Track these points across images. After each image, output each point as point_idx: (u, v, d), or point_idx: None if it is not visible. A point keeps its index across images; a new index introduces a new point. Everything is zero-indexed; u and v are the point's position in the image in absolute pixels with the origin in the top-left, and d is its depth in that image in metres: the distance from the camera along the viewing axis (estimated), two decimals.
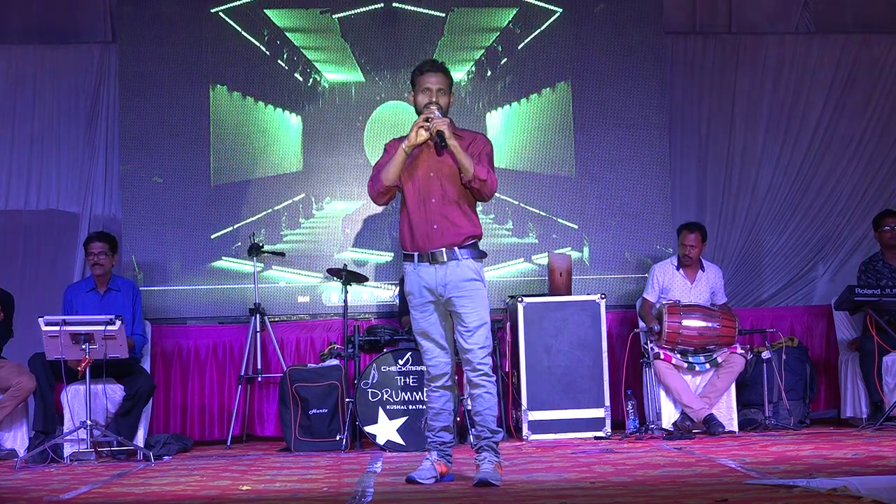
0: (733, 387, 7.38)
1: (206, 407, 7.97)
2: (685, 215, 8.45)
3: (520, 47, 8.48)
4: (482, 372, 5.02)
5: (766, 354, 7.39)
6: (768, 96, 8.82)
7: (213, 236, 8.21)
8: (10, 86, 8.36)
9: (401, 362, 7.07)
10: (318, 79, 8.37)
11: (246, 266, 8.11)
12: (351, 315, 7.81)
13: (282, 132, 8.35)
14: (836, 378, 8.05)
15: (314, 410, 7.15)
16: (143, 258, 8.11)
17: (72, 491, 5.09)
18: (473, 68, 8.44)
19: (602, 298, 7.44)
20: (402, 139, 5.14)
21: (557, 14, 8.49)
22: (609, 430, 7.30)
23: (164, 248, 8.15)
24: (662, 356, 7.28)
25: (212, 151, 8.26)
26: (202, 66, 8.28)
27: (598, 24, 8.51)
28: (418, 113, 5.11)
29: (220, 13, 8.31)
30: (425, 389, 5.26)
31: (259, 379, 7.80)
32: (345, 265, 7.61)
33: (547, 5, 8.49)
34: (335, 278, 7.64)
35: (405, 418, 7.00)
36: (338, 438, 7.08)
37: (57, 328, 6.49)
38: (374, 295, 8.24)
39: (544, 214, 8.42)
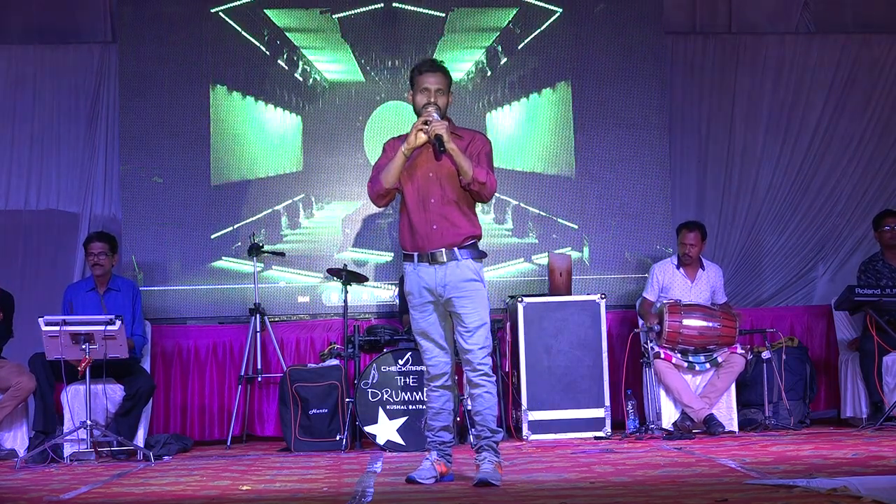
0: (733, 387, 7.38)
1: (206, 407, 7.97)
2: (685, 215, 8.45)
3: (520, 47, 8.48)
4: (482, 372, 5.02)
5: (766, 354, 7.39)
6: (768, 96, 8.82)
7: (213, 236, 8.21)
8: (10, 86, 8.36)
9: (401, 362, 7.07)
10: (318, 79, 8.37)
11: (246, 266, 8.11)
12: (351, 315, 7.81)
13: (282, 132, 8.35)
14: (836, 378, 8.05)
15: (314, 410, 7.15)
16: (143, 258, 8.11)
17: (72, 491, 5.09)
18: (473, 68, 8.44)
19: (602, 298, 7.44)
20: (400, 138, 5.14)
21: (557, 14, 8.49)
22: (609, 430, 7.30)
23: (164, 248, 8.15)
24: (662, 356, 7.28)
25: (212, 151, 8.26)
26: (202, 66, 8.28)
27: (598, 24, 8.51)
28: (417, 113, 5.10)
29: (220, 13, 8.31)
30: (425, 389, 5.26)
31: (259, 379, 7.80)
32: (345, 265, 7.61)
33: (547, 5, 8.49)
34: (335, 278, 7.64)
35: (405, 418, 7.00)
36: (338, 438, 7.08)
37: (57, 328, 6.49)
38: (374, 295, 8.24)
39: (544, 214, 8.42)
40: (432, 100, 5.06)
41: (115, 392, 6.91)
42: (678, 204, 8.67)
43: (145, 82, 8.22)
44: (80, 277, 7.99)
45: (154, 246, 8.14)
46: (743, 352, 7.33)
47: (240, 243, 8.13)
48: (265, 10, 8.34)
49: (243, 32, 8.32)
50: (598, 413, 7.33)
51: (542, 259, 8.25)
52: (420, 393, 6.91)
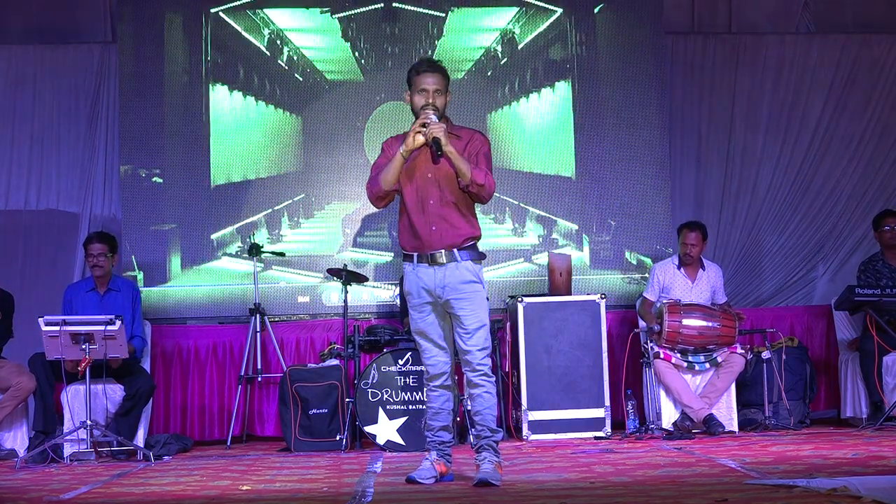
0: (733, 387, 7.38)
1: (206, 407, 7.97)
2: (685, 215, 8.45)
3: (520, 47, 8.48)
4: (481, 372, 5.02)
5: (766, 354, 7.40)
6: (768, 96, 8.82)
7: (213, 236, 8.21)
8: (10, 86, 8.37)
9: (401, 362, 7.07)
10: (318, 79, 8.37)
11: (246, 266, 8.11)
12: (351, 315, 7.81)
13: (282, 132, 8.35)
14: (836, 378, 8.05)
15: (314, 410, 7.15)
16: (143, 258, 8.11)
17: (72, 491, 5.09)
18: (473, 68, 8.44)
19: (602, 298, 7.44)
20: (399, 138, 5.14)
21: (557, 14, 8.49)
22: (609, 430, 7.30)
23: (164, 248, 8.15)
24: (662, 356, 7.28)
25: (212, 151, 8.26)
26: (202, 66, 8.28)
27: (598, 24, 8.51)
28: (415, 113, 5.09)
29: (220, 13, 8.31)
30: (425, 389, 5.27)
31: (259, 379, 7.80)
32: (345, 265, 7.61)
33: (547, 5, 8.49)
34: (335, 278, 7.64)
35: (405, 418, 7.00)
36: (338, 438, 7.08)
37: (57, 328, 6.49)
38: (374, 295, 8.24)
39: (544, 214, 8.42)
40: (430, 100, 5.04)
41: (115, 392, 6.91)
42: (678, 204, 8.67)
43: (145, 82, 8.22)
44: (80, 277, 7.99)
45: (154, 246, 8.14)
46: (743, 352, 7.33)
47: (240, 243, 8.14)
48: (265, 10, 8.34)
49: (243, 32, 8.32)
50: (598, 413, 7.33)
51: (542, 259, 8.25)
52: (420, 393, 6.91)
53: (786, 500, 4.04)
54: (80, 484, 5.40)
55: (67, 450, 6.71)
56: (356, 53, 8.39)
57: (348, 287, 7.50)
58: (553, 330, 7.37)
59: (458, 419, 6.86)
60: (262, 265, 8.07)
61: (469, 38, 8.47)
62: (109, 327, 6.51)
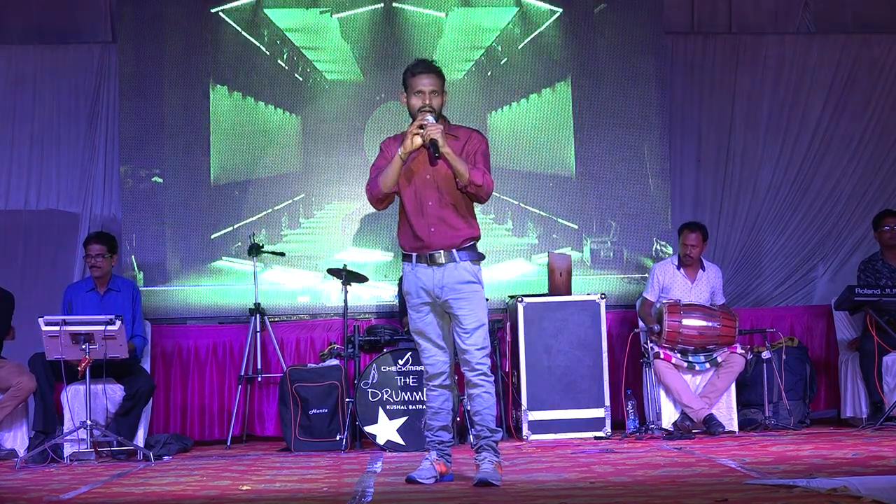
0: (733, 387, 7.38)
1: (206, 407, 7.97)
2: (685, 215, 8.45)
3: (520, 47, 8.48)
4: (480, 372, 5.02)
5: (766, 354, 7.40)
6: (768, 96, 8.82)
7: (213, 236, 8.21)
8: (10, 86, 8.37)
9: (401, 362, 7.07)
10: (318, 79, 8.37)
11: (246, 266, 8.10)
12: (351, 315, 7.81)
13: (282, 132, 8.35)
14: (836, 378, 8.05)
15: (314, 410, 7.15)
16: (143, 258, 8.11)
17: (72, 491, 5.09)
18: (473, 68, 8.44)
19: (602, 298, 7.44)
20: (397, 138, 5.14)
21: (557, 14, 8.49)
22: (609, 430, 7.30)
23: (164, 248, 8.15)
24: (662, 356, 7.28)
25: (212, 151, 8.26)
26: (202, 66, 8.28)
27: (598, 24, 8.51)
28: (411, 114, 5.09)
29: (220, 13, 8.31)
30: (424, 389, 5.27)
31: (259, 379, 7.80)
32: (345, 265, 7.61)
33: (547, 5, 8.49)
34: (335, 278, 7.63)
35: (405, 418, 7.00)
36: (338, 438, 7.08)
37: (57, 328, 6.49)
38: (374, 295, 8.23)
39: (544, 214, 8.42)
40: (427, 101, 5.04)
41: (115, 392, 6.91)
42: (678, 204, 8.67)
43: (145, 82, 8.22)
44: (80, 277, 7.99)
45: (154, 246, 8.14)
46: (743, 352, 7.33)
47: (240, 243, 8.14)
48: (265, 10, 8.34)
49: (243, 32, 8.32)
50: (598, 413, 7.33)
51: (542, 259, 8.25)
52: (420, 393, 6.91)
53: (786, 500, 4.04)
54: (80, 484, 5.40)
55: (67, 450, 6.71)
56: (356, 53, 8.39)
57: (348, 287, 7.50)
58: (553, 330, 7.37)
59: (458, 419, 6.86)
60: (262, 265, 8.07)
61: (469, 38, 8.46)
62: (109, 327, 6.51)
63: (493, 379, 5.08)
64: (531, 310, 7.38)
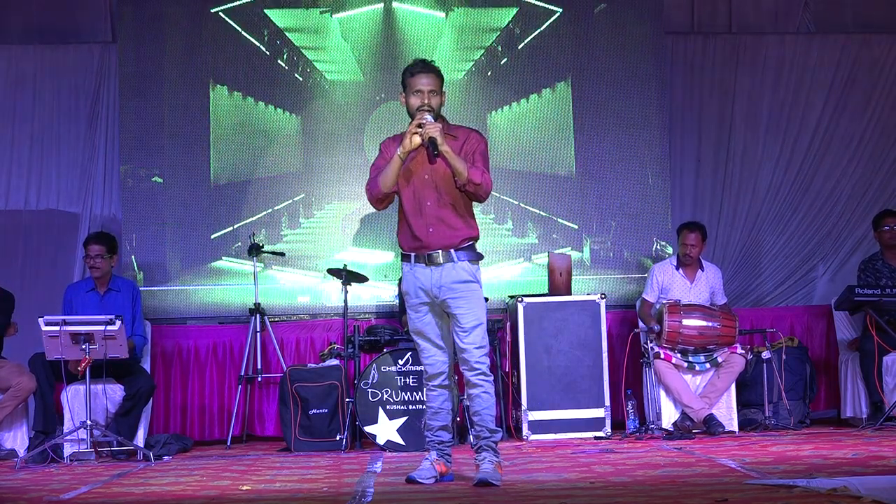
0: (733, 387, 7.38)
1: (206, 407, 7.97)
2: (685, 215, 8.46)
3: (520, 47, 8.47)
4: (479, 371, 5.03)
5: (766, 354, 7.40)
6: (768, 96, 8.82)
7: (213, 236, 8.21)
8: (10, 86, 8.37)
9: (400, 362, 7.07)
10: (318, 79, 8.37)
11: (246, 266, 8.10)
12: (351, 315, 7.81)
13: (282, 132, 8.35)
14: (836, 378, 8.05)
15: (314, 410, 7.15)
16: (143, 258, 8.11)
17: (72, 491, 5.09)
18: (473, 68, 8.44)
19: (602, 298, 7.44)
20: (396, 139, 5.16)
21: (557, 14, 8.49)
22: (609, 430, 7.30)
23: (164, 248, 8.15)
24: (662, 356, 7.28)
25: (212, 151, 8.26)
26: (202, 66, 8.28)
27: (598, 24, 8.51)
28: (410, 114, 5.11)
29: (220, 13, 8.31)
30: (424, 389, 5.27)
31: (259, 379, 7.80)
32: (345, 265, 7.61)
33: (547, 5, 8.49)
34: (335, 278, 7.64)
35: (405, 418, 7.00)
36: (338, 438, 7.08)
37: (57, 328, 6.50)
38: (374, 295, 8.23)
39: (544, 214, 8.42)
40: (426, 101, 5.06)
41: (115, 392, 6.91)
42: (678, 204, 8.67)
43: (145, 82, 8.22)
44: (80, 277, 7.99)
45: (154, 246, 8.14)
46: (743, 352, 7.33)
47: (240, 243, 8.13)
48: (265, 10, 8.34)
49: (243, 32, 8.32)
50: (598, 413, 7.33)
51: (542, 259, 8.25)
52: (420, 393, 6.91)
53: (786, 500, 4.04)
54: (80, 484, 5.40)
55: (67, 450, 6.71)
56: (356, 53, 8.39)
57: (348, 287, 7.50)
58: (553, 330, 7.37)
59: (458, 419, 6.86)
60: (262, 265, 8.07)
61: (469, 38, 8.46)
62: (109, 327, 6.51)
63: (492, 378, 5.08)
64: (531, 310, 7.38)
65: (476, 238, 5.14)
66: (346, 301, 7.50)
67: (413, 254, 5.10)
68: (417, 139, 4.98)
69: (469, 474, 5.17)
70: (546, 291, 7.79)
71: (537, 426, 7.27)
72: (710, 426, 7.13)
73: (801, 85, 8.84)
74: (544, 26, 8.49)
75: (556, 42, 8.48)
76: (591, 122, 8.47)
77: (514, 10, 8.47)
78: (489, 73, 8.46)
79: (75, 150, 8.37)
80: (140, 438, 7.03)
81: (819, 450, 5.94)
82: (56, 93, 8.37)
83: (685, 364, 7.33)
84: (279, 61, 8.35)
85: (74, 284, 7.50)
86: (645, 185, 8.47)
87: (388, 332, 7.44)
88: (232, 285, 8.18)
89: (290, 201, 8.31)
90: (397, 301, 7.95)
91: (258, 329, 7.75)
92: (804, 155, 8.81)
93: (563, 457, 6.11)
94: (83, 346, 6.51)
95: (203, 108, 8.26)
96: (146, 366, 7.38)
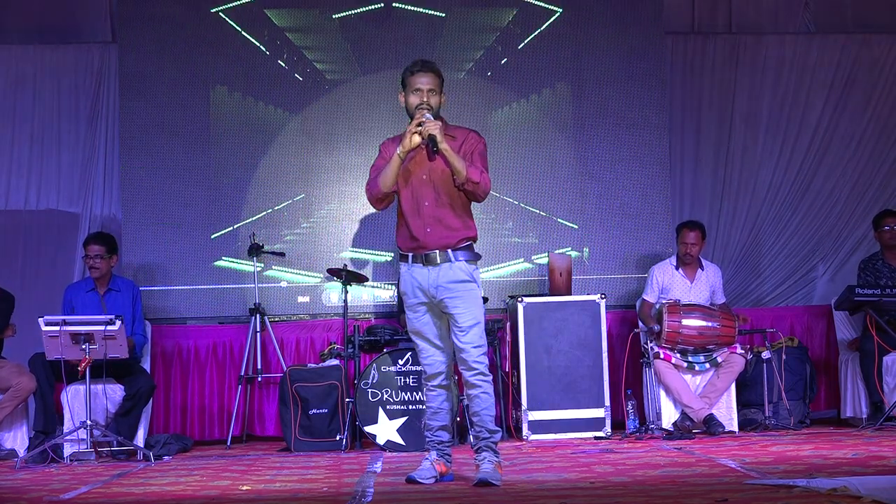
0: (733, 387, 7.38)
1: (206, 407, 7.97)
2: (685, 215, 8.46)
3: (520, 47, 8.47)
4: (478, 371, 5.03)
5: (766, 354, 7.40)
6: (768, 96, 8.82)
7: (213, 236, 8.21)
8: (10, 86, 8.37)
9: (400, 362, 7.07)
10: (318, 79, 8.37)
11: (246, 266, 8.11)
12: (351, 315, 7.81)
13: (282, 132, 8.34)
14: (836, 378, 8.05)
15: (314, 410, 7.15)
16: (143, 258, 8.11)
17: (72, 491, 5.09)
18: (473, 68, 8.44)
19: (602, 298, 7.44)
20: (396, 139, 5.17)
21: (557, 14, 8.49)
22: (609, 430, 7.30)
23: (164, 248, 8.14)
24: (662, 356, 7.28)
25: (212, 151, 8.25)
26: (202, 66, 8.27)
27: (598, 24, 8.51)
28: (409, 114, 5.12)
29: (220, 13, 8.31)
30: (423, 389, 5.27)
31: (259, 379, 7.80)
32: (345, 265, 7.61)
33: (547, 5, 8.49)
34: (335, 278, 7.64)
35: (405, 418, 7.00)
36: (338, 438, 7.08)
37: (57, 328, 6.50)
38: (374, 295, 8.24)
39: (544, 214, 8.42)
40: (425, 99, 5.07)
41: (115, 392, 6.91)
42: (678, 204, 8.67)
43: (145, 82, 8.22)
44: (80, 277, 7.99)
45: (154, 246, 8.14)
46: (743, 352, 7.33)
47: (240, 243, 8.13)
48: (265, 10, 8.34)
49: (243, 32, 8.32)
50: (598, 413, 7.33)
51: (542, 259, 8.25)
52: (420, 393, 6.91)
53: (786, 500, 4.04)
54: (80, 484, 5.40)
55: (67, 450, 6.71)
56: (356, 53, 8.39)
57: (348, 287, 7.51)
58: (553, 330, 7.38)
59: (458, 419, 6.86)
60: (262, 265, 8.07)
61: (469, 38, 8.46)
62: (109, 327, 6.51)
63: (490, 378, 5.08)
64: (531, 310, 7.38)
65: (474, 238, 5.15)
66: (346, 301, 7.50)
67: (411, 254, 5.11)
68: (417, 138, 4.99)
69: (469, 474, 5.17)
70: (546, 291, 7.80)
71: (537, 426, 7.27)
72: (710, 426, 7.14)
73: (801, 85, 8.84)
74: (544, 26, 8.48)
75: (556, 42, 8.48)
76: (591, 122, 8.47)
77: (514, 10, 8.47)
78: (489, 73, 8.46)
79: (75, 150, 8.37)
80: (140, 438, 7.03)
81: (819, 450, 5.94)
82: (56, 93, 8.37)
83: (685, 364, 7.33)
84: (279, 61, 8.35)
85: (74, 284, 7.50)
86: (645, 185, 8.46)
87: (387, 332, 7.44)
88: (232, 285, 8.17)
89: (290, 201, 8.31)
90: (396, 301, 7.95)
91: (258, 329, 7.76)
92: (804, 155, 8.82)
93: (563, 457, 6.11)
94: (83, 346, 6.52)
95: (203, 108, 8.26)
96: (146, 366, 7.39)
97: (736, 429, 7.31)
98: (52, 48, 8.39)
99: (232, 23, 8.31)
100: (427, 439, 5.23)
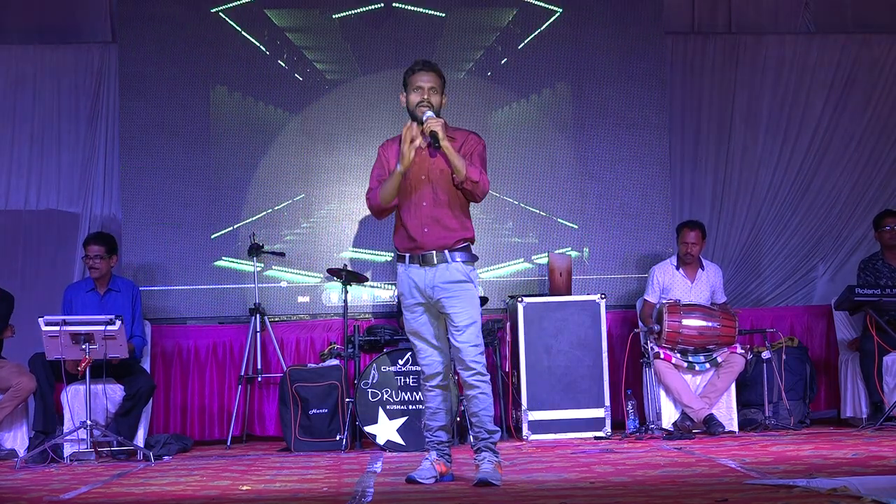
0: (733, 387, 7.38)
1: (206, 407, 7.97)
2: (685, 215, 8.46)
3: (520, 47, 8.47)
4: (475, 371, 5.03)
5: (766, 354, 7.40)
6: (768, 96, 8.82)
7: (213, 236, 8.21)
8: (10, 86, 8.37)
9: (400, 362, 7.07)
10: (318, 79, 8.37)
11: (246, 266, 8.11)
12: (351, 315, 7.81)
13: (282, 132, 8.34)
14: (836, 378, 8.06)
15: (314, 410, 7.15)
16: (143, 258, 8.11)
17: (72, 491, 5.09)
18: (473, 68, 8.44)
19: (602, 298, 7.44)
20: (395, 140, 5.18)
21: (557, 14, 8.49)
22: (609, 430, 7.30)
23: (164, 248, 8.14)
24: (662, 356, 7.28)
25: (212, 151, 8.26)
26: (202, 66, 8.27)
27: (598, 24, 8.51)
28: (410, 113, 5.14)
29: (220, 13, 8.31)
30: (422, 389, 5.28)
31: (259, 379, 7.80)
32: (345, 265, 7.61)
33: (547, 5, 8.49)
34: (335, 278, 7.64)
35: (405, 418, 7.00)
36: (338, 438, 7.08)
37: (57, 328, 6.50)
38: (374, 295, 8.24)
39: (544, 214, 8.42)
40: (426, 97, 5.08)
41: (115, 392, 6.91)
42: (678, 204, 8.67)
43: (145, 82, 8.22)
44: (80, 277, 7.99)
45: (154, 246, 8.14)
46: (743, 352, 7.33)
47: (240, 243, 8.14)
48: (265, 10, 8.34)
49: (243, 32, 8.32)
50: (598, 413, 7.33)
51: (542, 259, 8.25)
52: (420, 393, 6.91)
53: (786, 500, 4.04)
54: (80, 484, 5.40)
55: (67, 450, 6.71)
56: (356, 53, 8.39)
57: (348, 287, 7.51)
58: (553, 330, 7.38)
59: (458, 419, 6.86)
60: (262, 265, 8.07)
61: (469, 38, 8.46)
62: (109, 327, 6.51)
63: (488, 378, 5.08)
64: (531, 310, 7.38)
65: (471, 240, 5.16)
66: (346, 301, 7.50)
67: (408, 254, 5.13)
68: (413, 155, 4.97)
69: (469, 474, 5.18)
70: (546, 291, 7.80)
71: (537, 426, 7.27)
72: (710, 426, 7.14)
73: (801, 85, 8.85)
74: (544, 26, 8.48)
75: (556, 42, 8.48)
76: (591, 122, 8.46)
77: (514, 10, 8.47)
78: (489, 73, 8.46)
79: (75, 150, 8.37)
80: (140, 438, 7.03)
81: (819, 450, 5.94)
82: (56, 93, 8.37)
83: (685, 364, 7.33)
84: (279, 61, 8.35)
85: (74, 284, 7.50)
86: (645, 185, 8.46)
87: (388, 332, 7.44)
88: (232, 285, 8.17)
89: (290, 201, 8.31)
90: (397, 301, 7.95)
91: (258, 329, 7.76)
92: (804, 155, 8.82)
93: (563, 457, 6.11)
94: (83, 346, 6.52)
95: (203, 108, 8.26)
96: (146, 366, 7.39)
97: (736, 429, 7.31)
98: (52, 48, 8.39)
99: (232, 23, 8.31)
100: (426, 440, 5.23)
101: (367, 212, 8.07)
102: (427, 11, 8.40)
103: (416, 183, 5.09)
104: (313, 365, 7.42)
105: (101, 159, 8.35)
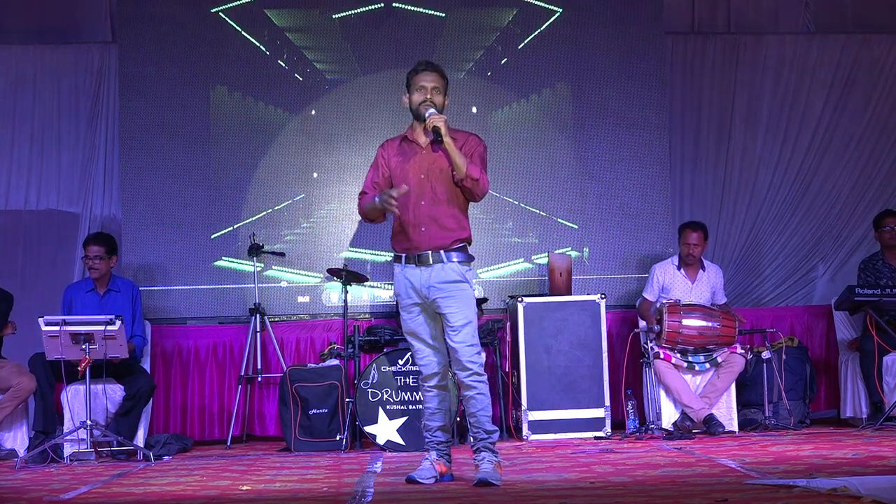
0: (733, 387, 7.38)
1: (206, 407, 7.97)
2: (685, 215, 8.46)
3: (520, 47, 8.47)
4: (472, 371, 5.03)
5: (766, 354, 7.40)
6: (768, 96, 8.82)
7: (213, 236, 8.21)
8: (10, 86, 8.37)
9: (400, 362, 7.07)
10: (318, 79, 8.37)
11: (246, 266, 8.11)
12: (351, 315, 7.81)
13: (282, 132, 8.34)
14: (836, 378, 8.06)
15: (314, 410, 7.15)
16: (143, 258, 8.11)
17: (72, 491, 5.09)
18: (473, 68, 8.44)
19: (602, 298, 7.44)
20: (394, 141, 5.22)
21: (557, 14, 8.49)
22: (609, 430, 7.30)
23: (164, 248, 8.14)
24: (662, 356, 7.28)
25: (212, 151, 8.26)
26: (202, 66, 8.27)
27: (598, 24, 8.51)
28: (412, 112, 5.16)
29: (220, 13, 8.31)
30: (421, 389, 5.28)
31: (259, 379, 7.80)
32: (345, 265, 7.61)
33: (547, 5, 8.49)
34: (335, 278, 7.64)
35: (405, 418, 7.00)
36: (338, 438, 7.08)
37: (57, 328, 6.50)
38: (374, 295, 8.24)
39: (544, 214, 8.42)
40: (428, 97, 5.10)
41: (115, 392, 6.91)
42: (678, 204, 8.67)
43: (145, 82, 8.22)
44: (80, 277, 7.99)
45: (154, 246, 8.14)
46: (743, 352, 7.33)
47: (240, 243, 8.14)
48: (265, 10, 8.34)
49: (243, 32, 8.32)
50: (598, 413, 7.33)
51: (542, 259, 8.25)
52: (420, 393, 6.90)
53: (786, 500, 4.04)
54: (80, 484, 5.40)
55: (67, 450, 6.71)
56: (356, 53, 8.39)
57: (348, 287, 7.51)
58: (553, 330, 7.38)
59: (458, 419, 6.87)
60: (262, 265, 8.07)
61: (469, 38, 8.46)
62: (109, 327, 6.51)
63: (485, 378, 5.09)
64: (531, 310, 7.38)
65: (468, 240, 5.16)
66: (346, 301, 7.50)
67: (404, 254, 5.13)
68: (394, 202, 4.96)
69: (469, 474, 5.18)
70: (546, 291, 7.80)
71: (537, 426, 7.27)
72: (710, 426, 7.14)
73: (801, 85, 8.85)
74: (544, 26, 8.49)
75: (556, 42, 8.48)
76: (591, 122, 8.46)
77: (514, 10, 8.47)
78: (489, 73, 8.46)
79: (75, 150, 8.37)
80: (140, 438, 7.03)
81: (819, 450, 5.94)
82: (56, 93, 8.38)
83: (685, 364, 7.33)
84: (279, 61, 8.35)
85: (74, 284, 7.50)
86: (645, 185, 8.46)
87: (387, 332, 7.45)
88: (232, 285, 8.18)
89: (290, 201, 8.31)
90: (396, 301, 7.94)
91: (258, 329, 7.76)
92: (804, 155, 8.82)
93: (563, 457, 6.11)
94: (83, 346, 6.51)
95: (203, 108, 8.26)
96: (146, 366, 7.39)
97: (736, 429, 7.31)
98: (52, 48, 8.39)
99: (232, 23, 8.31)
100: (426, 440, 5.23)
101: None
102: (427, 11, 8.40)
103: (416, 182, 5.10)
104: (313, 365, 7.42)
105: (101, 159, 8.35)
